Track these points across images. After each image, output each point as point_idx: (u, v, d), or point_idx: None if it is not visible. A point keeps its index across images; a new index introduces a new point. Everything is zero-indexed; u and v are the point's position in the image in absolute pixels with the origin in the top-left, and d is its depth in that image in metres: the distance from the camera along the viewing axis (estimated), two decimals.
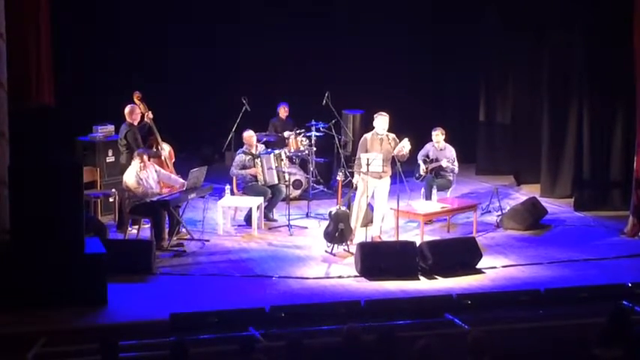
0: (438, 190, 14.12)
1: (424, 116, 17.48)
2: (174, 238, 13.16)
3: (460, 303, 10.99)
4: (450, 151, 14.72)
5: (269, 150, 14.75)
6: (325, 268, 12.37)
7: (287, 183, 14.61)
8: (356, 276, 11.99)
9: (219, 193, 14.43)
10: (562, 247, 13.30)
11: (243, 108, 16.00)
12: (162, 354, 8.37)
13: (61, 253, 10.58)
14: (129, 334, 9.48)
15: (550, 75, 15.93)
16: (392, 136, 13.21)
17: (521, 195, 15.89)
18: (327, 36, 18.46)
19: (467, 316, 10.41)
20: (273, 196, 14.37)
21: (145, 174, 13.01)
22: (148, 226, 13.27)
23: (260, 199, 14.02)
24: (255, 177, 14.31)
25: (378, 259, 12.08)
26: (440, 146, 14.72)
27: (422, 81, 18.85)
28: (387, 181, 13.21)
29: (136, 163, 13.00)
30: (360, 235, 13.10)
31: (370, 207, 13.56)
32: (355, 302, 10.83)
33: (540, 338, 9.57)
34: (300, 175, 15.61)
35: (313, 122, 16.02)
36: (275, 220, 14.39)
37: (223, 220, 13.92)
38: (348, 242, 12.91)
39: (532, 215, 14.29)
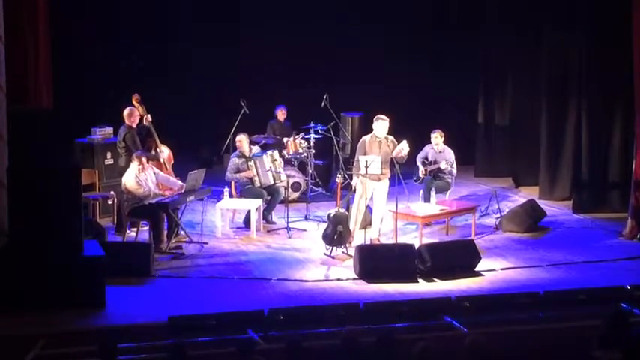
0: (436, 193, 14.12)
1: (423, 118, 17.50)
2: (173, 241, 13.16)
3: (459, 305, 10.98)
4: (449, 154, 14.72)
5: (262, 152, 14.75)
6: (324, 270, 12.37)
7: (283, 182, 14.60)
8: (355, 278, 11.99)
9: (217, 196, 14.44)
10: (561, 249, 13.30)
11: (242, 110, 16.01)
12: (161, 356, 8.37)
13: (60, 256, 10.58)
14: (127, 337, 9.47)
15: (549, 77, 15.93)
16: (391, 138, 13.21)
17: (520, 197, 15.89)
18: (326, 38, 18.46)
19: (465, 318, 10.40)
20: (271, 197, 14.37)
21: (143, 176, 13.01)
22: (146, 228, 13.28)
23: (259, 202, 14.02)
24: (251, 180, 14.30)
25: (377, 261, 12.08)
26: (439, 149, 14.73)
27: (421, 83, 18.85)
28: (385, 183, 13.21)
29: (134, 166, 12.99)
30: (358, 238, 13.10)
31: (369, 209, 13.55)
32: (354, 305, 10.82)
33: (539, 340, 9.57)
34: (298, 178, 15.61)
35: (312, 124, 16.03)
36: (274, 223, 14.39)
37: (222, 222, 13.92)
38: (347, 244, 12.90)
39: (531, 217, 14.29)
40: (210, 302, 10.96)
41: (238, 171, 14.29)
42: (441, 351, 7.47)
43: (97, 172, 14.50)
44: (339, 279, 11.99)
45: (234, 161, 14.36)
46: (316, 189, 16.12)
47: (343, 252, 12.87)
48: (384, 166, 13.03)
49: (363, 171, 12.91)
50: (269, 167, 14.44)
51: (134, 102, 14.17)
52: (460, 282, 11.85)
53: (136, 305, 10.85)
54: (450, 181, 14.73)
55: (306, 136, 15.98)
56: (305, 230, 14.12)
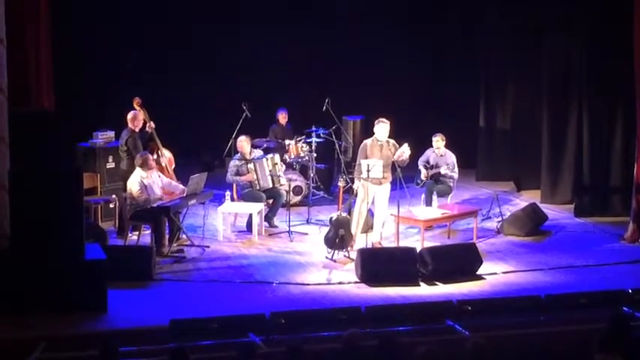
0: (438, 196, 14.13)
1: (424, 122, 17.50)
2: (175, 245, 13.16)
3: (460, 309, 10.96)
4: (450, 157, 14.72)
5: (262, 155, 14.75)
6: (326, 274, 12.36)
7: (283, 185, 14.59)
8: (356, 282, 11.98)
9: (219, 200, 14.44)
10: (562, 253, 13.30)
11: (244, 114, 16.00)
12: None
13: (61, 259, 10.57)
14: (129, 340, 9.45)
15: (550, 80, 15.93)
16: (392, 141, 13.21)
17: (522, 201, 15.88)
18: (328, 42, 18.49)
19: (467, 322, 10.39)
20: (273, 200, 14.37)
21: (149, 180, 13.00)
22: (148, 232, 13.27)
23: (260, 205, 14.02)
24: (250, 183, 14.29)
25: (379, 265, 12.07)
26: (440, 152, 14.73)
27: (422, 86, 18.88)
28: (387, 187, 13.21)
29: (139, 169, 12.98)
30: (360, 241, 13.09)
31: (370, 213, 13.55)
32: (355, 308, 10.81)
33: (540, 344, 9.56)
34: (300, 181, 15.61)
35: (313, 128, 16.03)
36: (276, 227, 14.38)
37: (223, 226, 13.92)
38: (349, 248, 12.90)
39: (532, 221, 14.28)
40: (211, 306, 10.95)
41: (238, 173, 14.29)
42: (442, 355, 7.46)
43: (98, 175, 14.50)
44: (340, 283, 11.99)
45: (234, 163, 14.37)
46: (318, 192, 16.12)
47: (345, 256, 12.87)
48: (386, 169, 13.02)
49: (364, 175, 12.90)
50: (269, 170, 14.44)
51: (135, 105, 14.16)
52: (462, 286, 11.85)
53: (137, 309, 10.84)
54: (451, 184, 14.73)
55: (308, 140, 15.98)
56: (307, 234, 14.12)
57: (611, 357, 7.69)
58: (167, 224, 13.07)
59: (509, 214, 14.60)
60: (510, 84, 17.35)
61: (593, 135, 15.12)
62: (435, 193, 14.10)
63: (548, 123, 15.96)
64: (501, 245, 13.70)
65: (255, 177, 14.27)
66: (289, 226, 14.01)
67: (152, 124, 14.11)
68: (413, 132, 15.59)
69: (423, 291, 11.74)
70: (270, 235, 14.07)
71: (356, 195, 13.36)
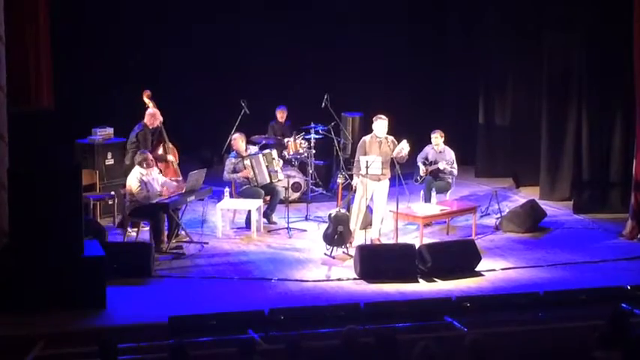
0: (437, 193, 14.13)
1: (423, 118, 17.50)
2: (174, 241, 13.16)
3: (459, 305, 10.98)
4: (449, 154, 14.72)
5: (258, 151, 14.75)
6: (324, 270, 12.37)
7: (281, 181, 14.59)
8: (355, 278, 12.00)
9: (218, 196, 14.44)
10: (561, 249, 13.31)
11: (242, 111, 16.01)
12: (162, 356, 8.37)
13: (60, 256, 10.58)
14: (128, 337, 9.45)
15: (549, 77, 15.92)
16: (391, 138, 13.21)
17: (521, 197, 15.89)
18: (327, 38, 18.46)
19: (466, 318, 10.39)
20: (271, 197, 14.37)
21: (148, 177, 13.01)
22: (147, 228, 13.27)
23: (259, 202, 14.02)
24: (248, 179, 14.29)
25: (378, 261, 12.08)
26: (439, 149, 14.73)
27: (421, 83, 18.87)
28: (385, 183, 13.21)
29: (137, 167, 12.99)
30: (359, 238, 13.10)
31: (369, 209, 13.55)
32: (354, 305, 10.82)
33: (540, 341, 9.56)
34: (299, 178, 15.61)
35: (312, 125, 16.03)
36: (275, 223, 14.38)
37: (222, 222, 13.93)
38: (348, 245, 12.90)
39: (531, 218, 14.29)
40: (210, 302, 10.96)
41: (235, 170, 14.29)
42: (441, 351, 7.46)
43: (97, 172, 14.49)
44: (339, 279, 12.00)
45: (230, 160, 14.36)
46: (317, 189, 16.13)
47: (344, 252, 12.87)
48: (385, 166, 13.03)
49: (363, 171, 12.90)
50: (265, 166, 14.44)
51: (145, 98, 14.22)
52: (460, 282, 11.86)
53: (136, 306, 10.85)
54: (450, 181, 14.74)
55: (307, 137, 15.98)
56: (305, 230, 14.12)
57: (610, 354, 7.70)
58: (166, 221, 13.08)
59: (508, 210, 14.60)
60: (510, 81, 17.34)
61: (592, 132, 15.12)
62: (433, 189, 14.09)
63: (547, 120, 15.96)
64: (500, 242, 13.70)
65: (252, 173, 14.27)
66: (288, 223, 14.02)
67: (161, 118, 14.16)
68: (412, 129, 15.59)
69: (422, 287, 11.75)
70: (269, 231, 14.08)
71: (355, 191, 13.37)
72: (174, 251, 12.95)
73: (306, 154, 15.75)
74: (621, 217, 14.34)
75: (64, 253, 10.60)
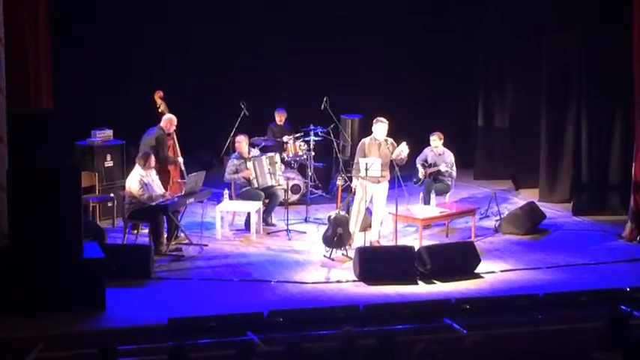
0: (436, 195, 14.12)
1: (422, 121, 17.49)
2: (173, 243, 13.16)
3: (459, 307, 10.98)
4: (449, 156, 14.72)
5: (260, 154, 14.76)
6: (324, 272, 12.36)
7: (281, 185, 14.60)
8: (354, 280, 11.99)
9: (217, 198, 14.44)
10: (560, 251, 13.30)
11: (242, 112, 16.00)
12: (161, 358, 8.37)
13: (60, 258, 10.57)
14: (127, 339, 9.47)
15: (548, 79, 15.93)
16: (390, 140, 13.21)
17: (520, 199, 15.89)
18: (326, 40, 18.46)
19: (465, 320, 10.40)
20: (270, 200, 14.37)
21: (148, 178, 13.01)
22: (146, 230, 13.27)
23: (258, 204, 14.02)
24: (249, 181, 14.29)
25: (377, 263, 12.07)
26: (438, 151, 14.72)
27: (420, 85, 18.86)
28: (385, 185, 13.21)
29: (137, 168, 12.99)
30: (358, 240, 13.10)
31: (368, 212, 13.55)
32: (354, 307, 10.82)
33: (539, 343, 9.57)
34: (298, 180, 15.61)
35: (312, 127, 16.03)
36: (274, 225, 14.38)
37: (222, 224, 13.92)
38: (347, 247, 12.90)
39: (530, 220, 14.29)
40: (210, 304, 10.95)
41: (237, 172, 14.29)
42: (440, 353, 7.46)
43: (96, 174, 14.49)
44: (338, 281, 11.99)
45: (232, 162, 14.37)
46: (316, 191, 16.13)
47: (343, 254, 12.87)
48: (384, 168, 13.02)
49: (362, 173, 12.90)
50: (267, 169, 14.45)
51: (156, 98, 14.25)
52: (460, 284, 11.85)
53: (135, 307, 10.84)
54: (449, 183, 14.74)
55: (306, 139, 15.98)
56: (305, 232, 14.12)
57: (609, 355, 7.70)
58: (165, 223, 13.08)
59: (507, 212, 14.60)
60: (509, 83, 17.35)
61: (592, 134, 15.12)
62: (433, 191, 14.09)
63: (546, 122, 15.97)
64: (499, 244, 13.70)
65: (253, 175, 14.27)
66: (287, 225, 14.02)
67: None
68: (411, 131, 15.58)
69: (421, 289, 11.74)
70: (268, 233, 14.08)
71: (354, 193, 13.37)
72: (174, 253, 12.94)
73: (305, 157, 15.75)
74: (620, 219, 14.34)
75: (63, 255, 10.60)
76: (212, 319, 10.31)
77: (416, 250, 12.34)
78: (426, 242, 13.11)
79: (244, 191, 14.27)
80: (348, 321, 9.92)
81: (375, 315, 10.64)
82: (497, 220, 14.47)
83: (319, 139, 16.10)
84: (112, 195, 14.26)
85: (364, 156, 13.06)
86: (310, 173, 15.70)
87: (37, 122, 11.34)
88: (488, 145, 17.72)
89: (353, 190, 13.40)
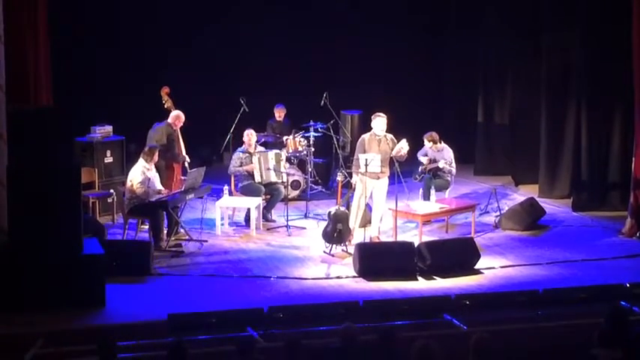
0: (436, 191, 14.13)
1: (422, 117, 17.51)
2: (173, 239, 13.17)
3: (458, 303, 11.00)
4: (448, 152, 14.70)
5: (268, 149, 14.77)
6: (324, 268, 12.37)
7: (284, 183, 14.61)
8: (354, 276, 12.00)
9: (217, 194, 14.44)
10: (560, 247, 13.31)
11: (242, 108, 16.00)
12: (161, 354, 8.36)
13: (59, 254, 10.57)
14: (127, 335, 9.46)
15: (548, 75, 15.94)
16: (390, 136, 13.21)
17: (520, 195, 15.89)
18: (326, 36, 18.45)
19: (465, 316, 10.40)
20: (271, 196, 14.38)
21: (150, 173, 13.03)
22: (146, 226, 13.27)
23: (258, 200, 14.02)
24: (252, 175, 14.29)
25: (377, 259, 12.08)
26: (437, 147, 14.70)
27: (420, 81, 18.86)
28: (385, 181, 13.21)
29: (142, 161, 12.99)
30: (358, 236, 13.10)
31: (368, 207, 13.55)
32: (354, 303, 10.83)
33: (539, 339, 9.57)
34: (298, 176, 15.61)
35: (311, 123, 16.03)
36: (273, 221, 14.39)
37: (221, 220, 13.92)
38: (347, 242, 12.90)
39: (530, 216, 14.29)
40: (209, 300, 10.96)
41: (241, 165, 14.30)
42: (440, 349, 7.46)
43: (96, 170, 14.49)
44: (338, 277, 12.00)
45: (238, 155, 14.38)
46: (316, 187, 16.13)
47: (343, 250, 12.88)
48: (384, 164, 13.03)
49: (362, 169, 12.90)
50: (272, 165, 14.45)
51: (163, 94, 14.25)
52: (460, 280, 11.86)
53: (135, 303, 10.85)
54: (449, 179, 14.73)
55: (306, 135, 15.98)
56: (305, 228, 14.13)
57: (609, 352, 7.69)
58: (165, 219, 13.08)
59: (507, 208, 14.61)
60: (509, 79, 17.35)
61: (592, 130, 15.12)
62: (433, 187, 14.09)
63: (546, 117, 15.97)
64: (499, 240, 13.71)
65: (258, 169, 14.27)
66: (287, 221, 14.02)
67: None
68: (411, 127, 15.57)
69: (421, 285, 11.75)
70: (268, 229, 14.08)
71: (354, 189, 13.37)
72: (174, 249, 12.95)
73: (305, 152, 15.75)
74: (620, 215, 14.34)
75: (63, 251, 10.60)
76: (212, 314, 10.32)
77: (416, 246, 12.34)
78: (426, 238, 13.11)
79: (245, 185, 14.27)
80: (348, 317, 9.95)
81: (375, 311, 10.65)
82: (497, 216, 14.47)
83: (319, 134, 16.10)
84: (111, 191, 14.26)
85: (364, 152, 13.07)
86: (310, 169, 15.71)
87: (36, 119, 11.33)
88: (488, 141, 17.73)
89: (353, 185, 13.40)
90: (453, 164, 14.71)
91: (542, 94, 16.05)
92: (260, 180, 14.30)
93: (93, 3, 17.32)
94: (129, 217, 13.20)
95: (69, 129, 14.15)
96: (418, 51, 18.78)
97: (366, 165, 12.83)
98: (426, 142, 14.67)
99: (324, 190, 16.19)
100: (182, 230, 13.42)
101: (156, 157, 13.14)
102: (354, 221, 13.16)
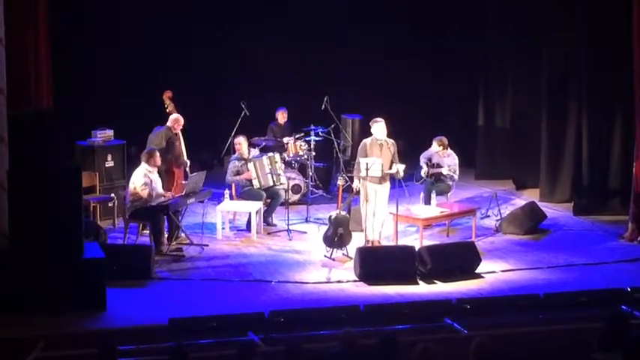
0: (437, 195, 14.12)
1: (423, 120, 17.52)
2: (174, 243, 13.17)
3: (459, 308, 10.97)
4: (453, 159, 14.68)
5: (261, 154, 14.76)
6: (324, 272, 12.36)
7: (283, 185, 14.60)
8: (355, 281, 11.99)
9: (218, 198, 14.44)
10: (561, 251, 13.30)
11: (242, 112, 16.00)
12: (162, 359, 8.36)
13: (60, 258, 10.57)
14: (128, 339, 9.46)
15: (549, 79, 15.95)
16: (391, 141, 13.19)
17: (521, 199, 15.89)
18: (327, 40, 18.47)
19: (466, 320, 10.39)
20: (271, 200, 14.37)
21: (154, 176, 13.03)
22: (147, 231, 13.27)
23: (259, 204, 14.02)
24: (250, 181, 14.29)
25: (378, 263, 12.07)
26: (445, 153, 14.67)
27: (421, 85, 18.86)
28: (387, 185, 13.20)
29: (144, 164, 12.99)
30: (359, 240, 13.10)
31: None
32: (354, 307, 10.81)
33: (539, 343, 9.57)
34: (299, 180, 15.61)
35: (312, 127, 16.03)
36: (274, 225, 14.39)
37: (222, 224, 13.92)
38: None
39: (531, 220, 14.28)
40: (210, 304, 10.96)
41: (238, 173, 14.30)
42: (441, 353, 7.45)
43: (97, 174, 14.49)
44: (339, 281, 11.99)
45: (234, 164, 14.38)
46: (317, 191, 16.13)
47: (344, 254, 12.87)
48: (385, 168, 13.01)
49: (363, 173, 12.89)
50: (268, 169, 14.45)
51: (165, 98, 14.24)
52: (460, 284, 11.85)
53: (136, 307, 10.85)
54: (450, 183, 14.72)
55: (307, 139, 15.98)
56: (305, 232, 14.13)
57: (610, 356, 7.69)
58: (166, 223, 13.08)
59: (508, 212, 14.60)
60: (509, 83, 17.35)
61: (592, 134, 15.12)
62: (433, 191, 14.09)
63: (547, 122, 15.97)
64: (500, 244, 13.70)
65: (254, 175, 14.27)
66: (288, 225, 14.02)
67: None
68: (411, 131, 15.60)
69: (422, 289, 11.74)
70: (269, 233, 14.08)
71: (356, 194, 13.36)
72: (175, 253, 12.95)
73: (306, 156, 15.75)
74: (621, 219, 14.34)
75: (63, 255, 10.60)
76: (213, 319, 10.30)
77: (416, 250, 12.34)
78: (427, 242, 13.11)
79: (246, 191, 14.27)
80: (349, 321, 9.96)
81: (376, 315, 10.63)
82: (497, 220, 14.47)
83: (320, 139, 16.10)
84: (112, 195, 14.27)
85: (366, 156, 13.05)
86: (311, 173, 15.70)
87: (37, 122, 11.33)
88: (489, 145, 17.73)
89: (354, 190, 13.39)
90: (457, 172, 14.69)
91: (543, 98, 16.06)
92: (259, 186, 14.29)
93: (94, 6, 17.33)
94: (130, 221, 13.20)
95: (70, 132, 14.16)
96: (419, 55, 18.77)
97: (367, 169, 12.82)
98: (434, 144, 14.64)
99: (324, 194, 16.19)
100: (183, 234, 13.41)
101: (157, 160, 13.14)
102: (364, 222, 13.13)
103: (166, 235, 13.07)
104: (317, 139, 16.01)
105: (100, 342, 7.97)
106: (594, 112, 15.08)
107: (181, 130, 14.30)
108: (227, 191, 14.21)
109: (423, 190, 14.50)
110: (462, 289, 11.69)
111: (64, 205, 10.61)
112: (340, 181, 13.28)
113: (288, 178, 14.93)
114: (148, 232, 13.22)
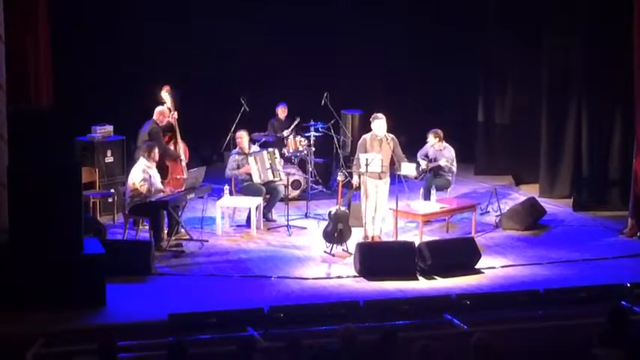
0: (437, 191, 14.12)
1: (423, 116, 17.50)
2: (173, 239, 13.17)
3: (459, 303, 10.97)
4: (450, 152, 14.69)
5: (261, 149, 14.76)
6: (324, 268, 12.37)
7: (282, 180, 14.60)
8: (355, 276, 11.99)
9: (218, 194, 14.44)
10: (561, 247, 13.31)
11: (242, 108, 16.00)
12: (161, 354, 8.36)
13: (60, 254, 10.57)
14: (128, 335, 9.46)
15: (549, 75, 15.94)
16: (391, 136, 13.19)
17: (520, 195, 15.89)
18: (327, 36, 18.45)
19: (466, 316, 10.40)
20: (270, 195, 14.37)
21: (152, 171, 13.02)
22: (147, 226, 13.27)
23: (259, 200, 14.02)
24: (250, 176, 14.29)
25: (377, 259, 12.08)
26: (439, 146, 14.69)
27: (421, 81, 18.85)
28: (387, 181, 13.20)
29: (142, 160, 12.98)
30: (359, 235, 13.10)
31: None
32: (354, 302, 10.82)
33: (539, 339, 9.57)
34: (298, 176, 15.61)
35: (312, 122, 16.02)
36: (274, 221, 14.39)
37: (222, 220, 13.92)
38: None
39: (531, 215, 14.29)
40: (210, 300, 10.96)
41: (238, 167, 14.30)
42: (441, 349, 7.46)
43: (97, 169, 14.48)
44: (339, 277, 12.00)
45: (234, 158, 14.37)
46: (316, 187, 16.13)
47: (343, 250, 12.87)
48: (385, 164, 13.01)
49: (363, 169, 12.89)
50: (269, 164, 14.45)
51: (164, 92, 14.18)
52: (460, 280, 11.86)
53: (136, 303, 10.85)
54: (450, 178, 14.72)
55: (306, 134, 15.98)
56: (305, 228, 14.13)
57: (610, 351, 7.70)
58: (166, 218, 13.08)
59: (507, 208, 14.61)
60: (509, 78, 17.34)
61: (592, 129, 15.13)
62: (433, 187, 14.09)
63: (547, 117, 15.97)
64: (500, 239, 13.70)
65: (254, 170, 14.26)
66: (288, 221, 14.02)
67: (175, 115, 14.16)
68: (411, 126, 15.59)
69: (422, 285, 11.75)
70: (268, 229, 14.08)
71: (356, 189, 13.37)
72: (174, 249, 12.94)
73: (305, 152, 15.75)
74: (621, 215, 14.34)
75: (63, 251, 10.60)
76: (212, 314, 10.31)
77: (416, 245, 12.34)
78: (427, 238, 13.10)
79: (245, 186, 14.27)
80: (349, 317, 9.96)
81: (376, 311, 10.63)
82: (497, 216, 14.47)
83: (319, 134, 16.10)
84: (112, 191, 14.26)
85: (366, 152, 13.05)
86: (310, 169, 15.70)
87: (37, 118, 11.34)
88: (489, 141, 17.72)
89: (354, 185, 13.38)
90: (454, 163, 14.70)
91: (543, 94, 16.05)
92: (259, 180, 14.29)
93: (93, 2, 17.31)
94: (129, 217, 13.20)
95: (69, 128, 14.17)
96: (419, 50, 18.76)
97: (367, 165, 12.82)
98: (430, 137, 14.63)
99: (324, 189, 16.19)
100: (183, 230, 13.41)
101: (155, 155, 13.11)
102: (364, 217, 13.14)
103: (166, 231, 13.06)
104: (317, 134, 16.01)
105: (100, 337, 7.99)
106: (594, 108, 15.09)
107: (177, 123, 14.18)
108: (227, 187, 14.21)
109: (423, 185, 14.50)
110: (462, 284, 11.70)
111: (64, 201, 10.60)
112: (340, 177, 13.28)
113: (288, 174, 14.93)
114: (147, 227, 13.22)
